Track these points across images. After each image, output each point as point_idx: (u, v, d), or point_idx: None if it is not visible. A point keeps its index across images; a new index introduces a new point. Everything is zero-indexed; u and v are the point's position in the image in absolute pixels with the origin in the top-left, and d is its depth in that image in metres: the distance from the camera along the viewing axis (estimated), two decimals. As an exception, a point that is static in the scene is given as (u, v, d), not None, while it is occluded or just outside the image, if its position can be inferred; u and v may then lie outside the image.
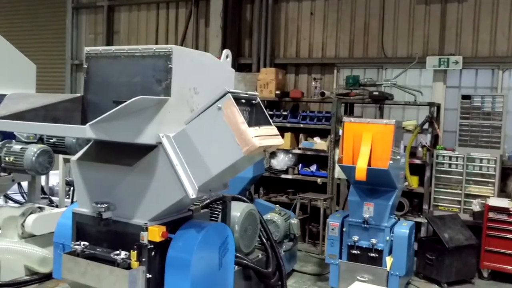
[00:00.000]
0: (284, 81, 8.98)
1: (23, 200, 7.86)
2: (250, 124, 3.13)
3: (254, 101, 3.39)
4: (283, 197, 8.47)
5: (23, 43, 8.98)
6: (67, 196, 7.73)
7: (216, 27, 9.32)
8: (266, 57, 9.22)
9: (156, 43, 10.14)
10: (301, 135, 8.31)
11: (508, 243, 6.41)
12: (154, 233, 3.24)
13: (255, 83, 8.69)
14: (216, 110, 3.12)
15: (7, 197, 8.01)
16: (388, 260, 5.27)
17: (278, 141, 3.29)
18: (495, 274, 6.49)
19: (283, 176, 8.39)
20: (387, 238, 5.28)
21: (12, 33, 10.29)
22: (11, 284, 5.33)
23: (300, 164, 8.39)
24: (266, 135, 3.19)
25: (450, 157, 7.41)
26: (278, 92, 8.47)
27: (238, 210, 4.55)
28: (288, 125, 8.28)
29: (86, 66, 3.68)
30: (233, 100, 3.07)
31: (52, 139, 6.05)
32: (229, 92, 3.10)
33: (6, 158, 5.55)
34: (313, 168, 8.24)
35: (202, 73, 3.56)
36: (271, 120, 3.39)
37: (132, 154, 3.36)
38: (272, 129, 3.30)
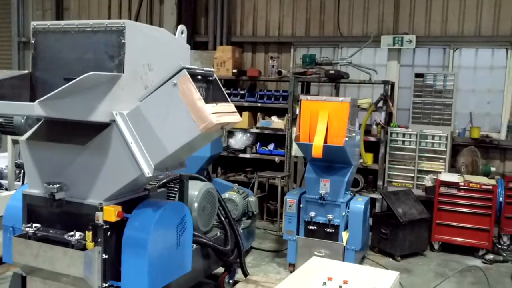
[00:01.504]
0: (241, 60, 8.92)
1: (-30, 184, 7.54)
2: (206, 101, 3.09)
3: (210, 78, 3.35)
4: (241, 176, 8.48)
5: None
6: (18, 179, 7.46)
7: (170, 3, 9.11)
8: (223, 35, 9.11)
9: (109, 20, 9.81)
10: (258, 114, 8.31)
11: (457, 216, 6.67)
12: (110, 213, 3.19)
13: (211, 61, 8.59)
14: (172, 87, 3.06)
15: (-48, 181, 7.66)
16: (344, 235, 5.38)
17: (235, 118, 3.26)
18: (445, 246, 6.75)
19: (241, 155, 8.40)
20: (343, 213, 5.38)
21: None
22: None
23: (258, 143, 8.41)
24: (224, 112, 3.16)
25: (404, 134, 7.60)
26: (235, 70, 8.41)
27: (195, 189, 4.52)
28: (246, 104, 8.25)
29: (33, 41, 3.52)
30: (189, 76, 3.01)
31: (-1, 119, 5.80)
32: (184, 68, 3.04)
33: (-50, 140, 5.29)
34: (271, 147, 8.27)
35: (157, 49, 3.47)
36: (228, 98, 3.36)
37: (84, 133, 3.26)
38: (230, 106, 3.28)
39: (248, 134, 8.36)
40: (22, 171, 7.33)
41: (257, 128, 8.32)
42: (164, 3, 9.38)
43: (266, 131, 8.23)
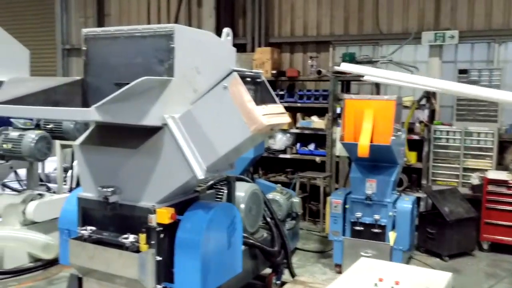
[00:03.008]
0: (279, 60, 8.91)
1: (20, 188, 7.80)
2: (256, 102, 3.09)
3: (258, 79, 3.36)
4: (282, 177, 8.48)
5: (12, 29, 8.79)
6: (65, 182, 7.68)
7: (209, 7, 9.19)
8: (261, 36, 9.13)
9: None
10: (298, 114, 8.28)
11: (507, 215, 6.47)
12: (163, 215, 3.22)
13: (250, 63, 8.61)
14: (222, 89, 3.08)
15: (4, 185, 7.95)
16: (391, 235, 5.30)
17: (285, 119, 3.26)
18: (494, 246, 6.56)
19: (281, 156, 8.39)
20: (390, 213, 5.30)
21: (1, 18, 10.09)
22: (16, 271, 5.32)
23: (298, 144, 8.38)
24: (273, 113, 3.16)
25: (448, 132, 7.43)
26: (274, 71, 8.41)
27: (242, 190, 4.53)
28: (285, 104, 8.16)
29: (85, 48, 3.61)
30: (239, 78, 3.03)
31: (49, 124, 5.99)
32: (234, 70, 3.05)
33: (4, 145, 5.49)
34: (311, 147, 8.23)
35: (204, 52, 3.50)
36: (277, 98, 3.36)
37: (136, 136, 3.32)
38: (278, 107, 3.27)
39: (288, 135, 8.34)
40: (70, 174, 7.55)
41: (297, 128, 8.29)
42: (202, 6, 9.47)
43: (306, 131, 8.19)
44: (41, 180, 8.40)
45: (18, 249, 5.31)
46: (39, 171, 8.04)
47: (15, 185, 8.21)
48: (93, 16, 10.87)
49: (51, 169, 8.87)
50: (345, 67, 2.95)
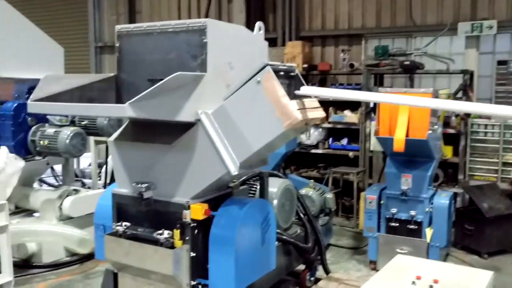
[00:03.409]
0: (310, 54, 8.82)
1: (57, 183, 7.98)
2: (289, 97, 3.04)
3: (292, 73, 3.30)
4: (314, 172, 8.39)
5: (47, 28, 8.96)
6: (99, 178, 7.81)
7: (239, 2, 9.16)
8: (291, 30, 9.04)
9: (179, 21, 10.01)
10: (330, 109, 8.17)
11: (550, 211, 6.23)
12: (197, 211, 3.21)
13: (281, 57, 8.54)
14: (255, 84, 3.04)
15: (41, 181, 8.14)
16: (428, 231, 5.17)
17: (320, 113, 3.20)
18: (537, 244, 6.33)
19: (313, 151, 8.30)
20: (427, 209, 5.18)
21: (35, 17, 10.27)
22: (54, 265, 5.43)
23: (330, 138, 8.28)
24: (308, 108, 3.10)
25: (486, 125, 7.19)
26: (305, 65, 8.33)
27: (275, 186, 4.49)
28: (317, 99, 8.11)
29: (118, 45, 3.62)
30: (272, 73, 2.98)
31: (83, 121, 6.08)
32: (268, 64, 3.01)
33: (41, 142, 5.60)
34: (344, 141, 8.12)
35: (237, 47, 3.46)
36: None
37: (169, 132, 3.31)
38: (313, 102, 3.22)
39: (320, 129, 8.25)
40: (104, 170, 7.66)
41: (329, 123, 8.18)
42: (232, 1, 9.45)
43: (339, 126, 8.08)
44: (76, 176, 8.58)
45: (55, 244, 5.42)
46: (74, 166, 8.21)
47: (52, 180, 8.41)
48: (125, 13, 11.00)
49: (86, 165, 9.04)
50: (305, 90, 2.93)
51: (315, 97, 3.27)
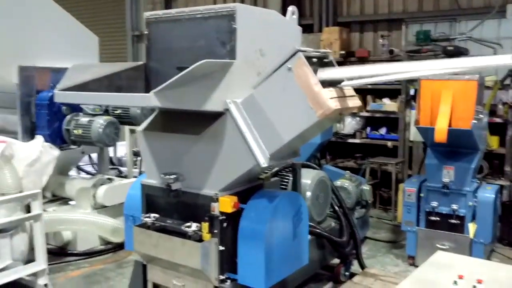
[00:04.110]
0: (348, 40, 8.54)
1: (94, 171, 8.07)
2: (323, 85, 2.87)
3: (326, 60, 3.13)
4: (350, 162, 8.17)
5: (83, 16, 9.02)
6: (135, 166, 7.85)
7: (275, -14, 8.95)
8: (329, 15, 8.76)
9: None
10: (368, 97, 7.90)
11: None
12: (226, 204, 3.11)
13: (317, 44, 8.30)
14: (286, 71, 2.88)
15: (79, 169, 8.25)
16: (471, 227, 4.90)
17: (355, 102, 3.02)
18: None
19: (350, 140, 8.06)
20: (470, 203, 4.90)
21: (71, 6, 10.39)
22: (88, 253, 5.47)
23: (368, 128, 8.02)
24: (342, 97, 2.92)
25: (536, 114, 6.77)
26: (342, 52, 8.07)
27: (308, 177, 4.34)
28: (354, 86, 7.86)
29: (147, 32, 3.54)
30: (304, 59, 2.82)
31: (117, 110, 6.07)
32: (299, 50, 2.84)
33: (75, 131, 5.62)
34: (383, 131, 7.84)
35: (268, 32, 3.32)
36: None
37: (198, 123, 3.21)
38: (348, 90, 3.03)
39: (358, 118, 8.00)
40: (139, 158, 7.69)
41: (367, 111, 7.91)
42: (268, -15, 9.25)
43: (377, 115, 7.81)
44: (113, 164, 8.66)
45: (90, 232, 5.45)
46: (111, 154, 8.28)
47: (89, 168, 8.52)
48: (161, 2, 10.97)
49: (123, 153, 9.12)
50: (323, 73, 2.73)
51: (351, 84, 3.08)
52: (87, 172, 8.41)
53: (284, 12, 3.59)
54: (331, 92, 2.85)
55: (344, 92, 2.98)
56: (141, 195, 3.59)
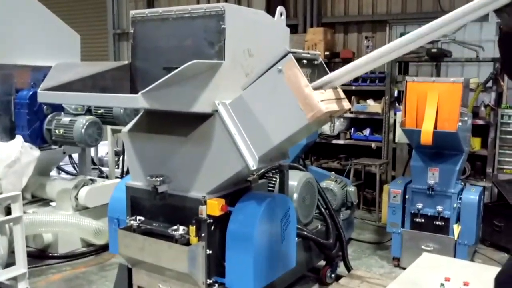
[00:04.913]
0: (333, 41, 8.54)
1: (75, 171, 7.93)
2: (313, 87, 2.84)
3: (315, 62, 3.11)
4: (335, 163, 8.16)
5: (64, 14, 8.84)
6: (117, 166, 7.72)
7: (259, -14, 8.91)
8: (313, 16, 8.75)
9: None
10: (353, 98, 7.90)
11: None
12: (214, 207, 3.06)
13: (302, 44, 8.28)
14: (276, 73, 2.84)
15: (59, 169, 8.10)
16: (456, 228, 4.93)
17: (345, 105, 2.99)
18: None
19: (334, 141, 8.06)
20: (454, 205, 4.93)
21: (52, 3, 10.19)
22: (70, 256, 5.35)
23: (353, 128, 8.03)
24: (332, 99, 2.90)
25: (517, 116, 6.86)
26: (327, 53, 8.06)
27: (295, 179, 4.32)
28: (339, 87, 7.87)
29: (132, 31, 3.46)
30: (295, 61, 2.78)
31: (100, 110, 5.96)
32: (290, 52, 2.81)
33: (56, 131, 5.50)
34: (367, 132, 7.86)
35: (257, 33, 3.27)
36: (335, 82, 3.08)
37: (186, 124, 3.15)
38: (337, 92, 3.01)
39: (342, 119, 8.00)
40: (121, 158, 7.58)
41: (351, 112, 7.92)
42: (252, -15, 9.20)
43: (361, 116, 7.82)
44: (94, 164, 8.52)
45: (71, 234, 5.34)
46: (92, 154, 8.14)
47: (70, 168, 8.37)
48: (143, 0, 10.84)
49: (104, 152, 8.98)
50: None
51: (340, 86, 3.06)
52: (68, 173, 8.26)
53: (268, 12, 3.55)
54: (321, 94, 2.82)
55: (334, 94, 2.95)
56: (126, 197, 3.51)
